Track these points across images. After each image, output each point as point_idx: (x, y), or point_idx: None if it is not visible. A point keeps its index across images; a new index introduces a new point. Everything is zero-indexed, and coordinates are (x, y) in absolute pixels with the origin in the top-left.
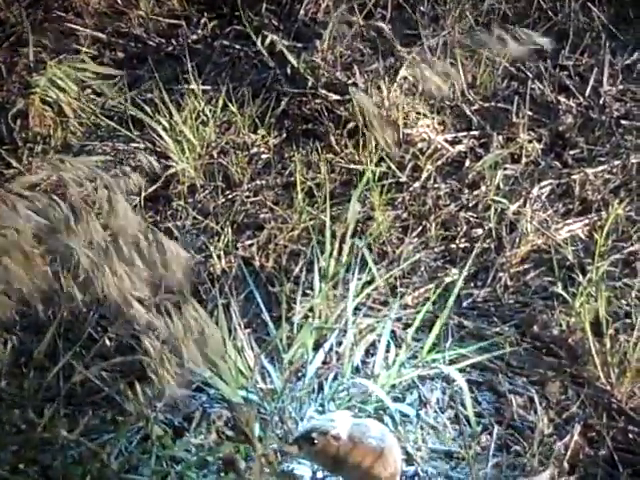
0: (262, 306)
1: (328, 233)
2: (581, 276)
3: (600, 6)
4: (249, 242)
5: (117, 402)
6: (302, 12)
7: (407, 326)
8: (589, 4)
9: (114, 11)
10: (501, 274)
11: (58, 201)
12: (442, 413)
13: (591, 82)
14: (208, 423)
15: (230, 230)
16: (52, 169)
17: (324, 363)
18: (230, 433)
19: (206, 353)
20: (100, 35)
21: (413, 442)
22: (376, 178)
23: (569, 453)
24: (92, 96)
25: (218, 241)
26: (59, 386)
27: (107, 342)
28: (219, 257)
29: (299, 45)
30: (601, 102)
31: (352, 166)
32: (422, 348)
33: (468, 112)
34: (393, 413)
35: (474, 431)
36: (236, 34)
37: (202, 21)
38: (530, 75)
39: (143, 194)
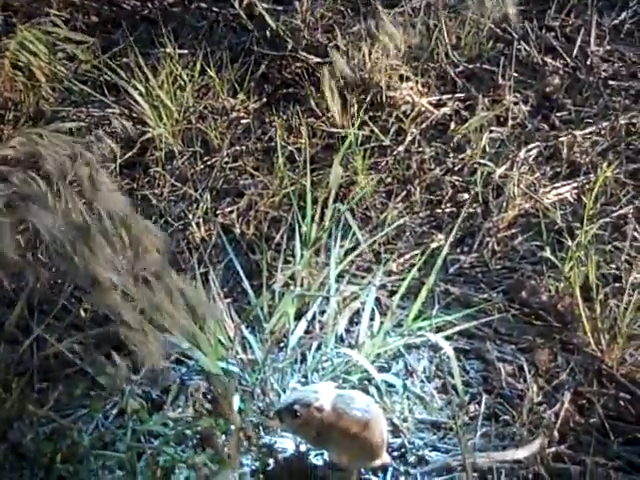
0: (242, 274)
1: (309, 198)
2: (570, 240)
3: None
4: (229, 209)
5: (92, 375)
6: None
7: (392, 293)
8: None
9: None
10: (488, 239)
11: (33, 175)
12: (429, 383)
13: (578, 43)
14: (186, 396)
15: (209, 197)
16: (27, 143)
17: (307, 332)
18: (209, 406)
19: (184, 322)
20: None
21: (399, 413)
22: (359, 142)
23: (559, 422)
24: (64, 61)
25: (197, 208)
26: (32, 360)
27: (82, 313)
28: (198, 225)
29: (279, 8)
30: (588, 63)
31: (334, 129)
32: (407, 316)
33: (452, 74)
34: (378, 383)
35: (462, 400)
36: None
37: None
38: (515, 36)
39: (119, 161)
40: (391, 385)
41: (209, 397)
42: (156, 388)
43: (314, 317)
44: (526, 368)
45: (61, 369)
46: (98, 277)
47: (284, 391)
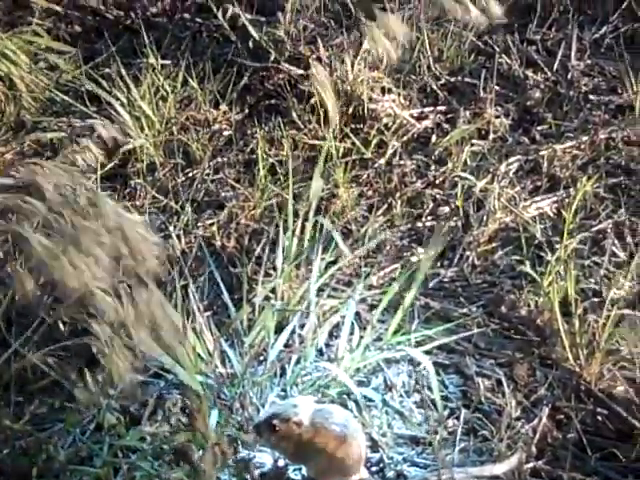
0: (222, 287)
1: (290, 211)
2: (550, 255)
3: None
4: (210, 221)
5: (68, 389)
6: None
7: (372, 307)
8: None
9: None
10: (468, 253)
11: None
12: (408, 397)
13: (559, 57)
14: (164, 410)
15: (190, 209)
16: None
17: (286, 346)
18: (186, 421)
19: (163, 337)
20: (55, 7)
21: (378, 427)
22: (340, 154)
23: (537, 437)
24: (46, 70)
25: (178, 220)
26: (9, 372)
27: (61, 326)
28: (179, 237)
29: (262, 19)
30: (569, 77)
31: (315, 141)
32: (387, 330)
33: (434, 87)
34: (357, 398)
35: (441, 415)
36: (197, 8)
37: None
38: (497, 49)
39: (100, 172)
40: (370, 399)
41: (187, 411)
42: (134, 402)
43: (294, 331)
44: (505, 383)
45: (38, 382)
46: (72, 288)
47: (263, 405)
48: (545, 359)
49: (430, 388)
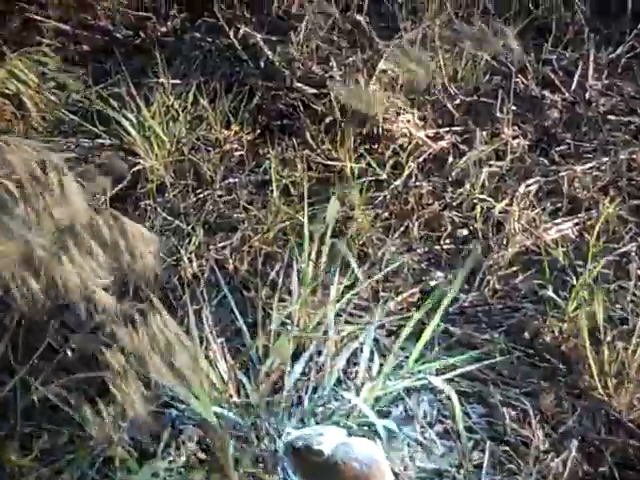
0: (236, 313)
1: (306, 234)
2: (574, 279)
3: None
4: (222, 244)
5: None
6: (276, 5)
7: (391, 333)
8: None
9: (80, 3)
10: (489, 277)
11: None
12: (430, 428)
13: (576, 77)
14: (178, 444)
15: (202, 231)
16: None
17: (303, 374)
18: (202, 456)
19: (175, 365)
20: (64, 27)
21: (400, 460)
22: (355, 175)
23: (567, 471)
24: (55, 90)
25: (189, 243)
26: (15, 403)
27: (69, 353)
28: (190, 260)
29: (273, 38)
30: (587, 97)
31: (330, 162)
32: (408, 357)
33: (450, 107)
34: (378, 428)
35: (465, 447)
36: (207, 27)
37: (172, 13)
38: (513, 69)
39: (109, 193)
40: (391, 430)
41: (203, 445)
42: (145, 435)
43: (311, 358)
44: (531, 413)
45: (46, 414)
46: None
47: (280, 436)
48: (572, 388)
49: (453, 418)
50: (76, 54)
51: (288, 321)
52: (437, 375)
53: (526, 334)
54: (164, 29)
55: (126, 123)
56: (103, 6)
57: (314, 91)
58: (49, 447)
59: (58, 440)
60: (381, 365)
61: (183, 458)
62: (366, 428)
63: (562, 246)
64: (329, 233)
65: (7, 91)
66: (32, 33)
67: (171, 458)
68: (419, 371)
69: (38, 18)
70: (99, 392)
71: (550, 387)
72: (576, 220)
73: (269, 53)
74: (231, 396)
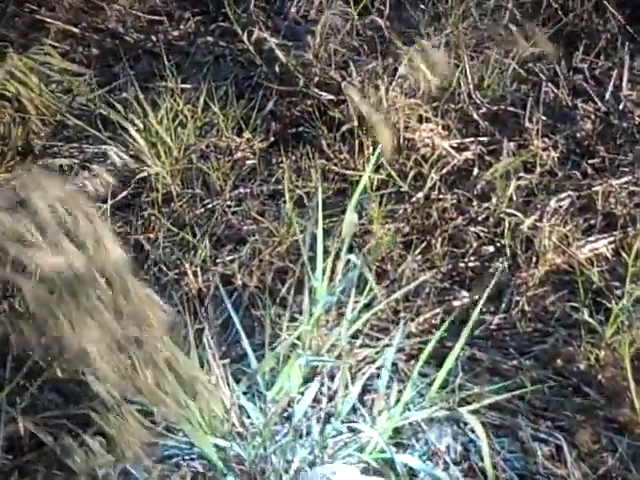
0: (242, 333)
1: (320, 248)
2: (613, 302)
3: (614, 6)
4: (230, 257)
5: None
6: (293, 10)
7: (411, 357)
8: (605, 2)
9: (91, 6)
10: (517, 298)
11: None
12: (454, 465)
13: (610, 86)
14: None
15: (208, 243)
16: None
17: (314, 402)
18: None
19: (170, 391)
20: (73, 29)
21: None
22: (374, 187)
23: None
24: (58, 93)
25: (194, 256)
26: None
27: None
28: (195, 274)
29: (289, 43)
30: (621, 107)
31: (347, 172)
32: (429, 385)
33: (475, 116)
34: (396, 464)
35: None
36: (221, 32)
37: (185, 16)
38: (543, 77)
39: (111, 201)
40: (411, 467)
41: None
42: (138, 469)
43: (323, 384)
44: (566, 449)
45: (31, 449)
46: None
47: (286, 471)
48: (611, 422)
49: (479, 454)
50: (83, 57)
51: (299, 343)
52: (462, 405)
53: (559, 361)
54: (176, 33)
55: (132, 128)
56: (114, 9)
57: (331, 97)
58: None
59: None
60: (400, 392)
61: None
62: (383, 463)
63: (597, 265)
64: (345, 248)
65: (6, 93)
66: (39, 35)
67: None
68: (442, 400)
69: (47, 20)
70: (86, 424)
71: (587, 421)
72: (612, 238)
73: (284, 58)
74: (234, 425)
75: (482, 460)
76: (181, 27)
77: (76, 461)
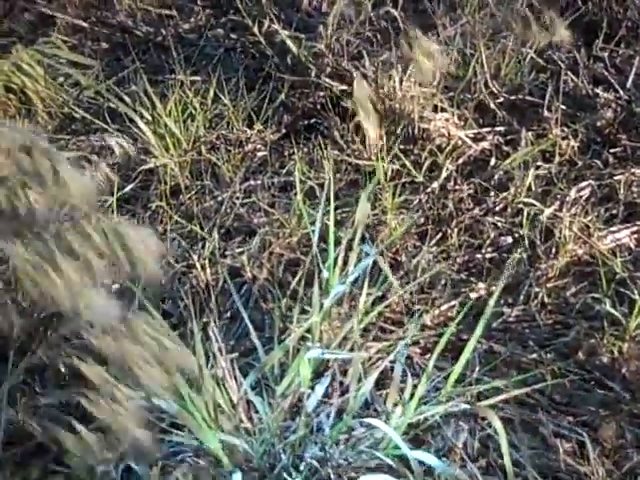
0: (250, 326)
1: (332, 239)
2: (635, 292)
3: None
4: (239, 250)
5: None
6: (305, 1)
7: (426, 351)
8: None
9: (100, 0)
10: (537, 289)
11: None
12: (472, 462)
13: (632, 74)
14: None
15: (217, 236)
16: None
17: (325, 397)
18: None
19: (174, 383)
20: (82, 24)
21: None
22: (388, 177)
23: None
24: (66, 86)
25: (203, 248)
26: None
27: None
28: (203, 267)
29: (302, 36)
30: None
31: (360, 162)
32: (445, 379)
33: (492, 105)
34: (411, 461)
35: None
36: (232, 25)
37: (195, 9)
38: (562, 66)
39: (118, 194)
40: (426, 464)
41: None
42: (140, 464)
43: (334, 379)
44: (589, 446)
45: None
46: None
47: (297, 468)
48: (636, 417)
49: (498, 450)
50: (92, 51)
51: (309, 336)
52: (479, 400)
53: (580, 354)
54: (186, 26)
55: (140, 121)
56: (124, 3)
57: (344, 88)
58: None
59: (28, 476)
60: (415, 387)
61: None
62: (397, 460)
63: (619, 256)
64: (358, 238)
65: (12, 85)
66: (47, 30)
67: None
68: (458, 395)
69: (56, 15)
70: (82, 414)
71: (610, 416)
72: (635, 228)
73: (296, 49)
74: (241, 421)
75: (501, 457)
76: (191, 20)
77: (74, 458)
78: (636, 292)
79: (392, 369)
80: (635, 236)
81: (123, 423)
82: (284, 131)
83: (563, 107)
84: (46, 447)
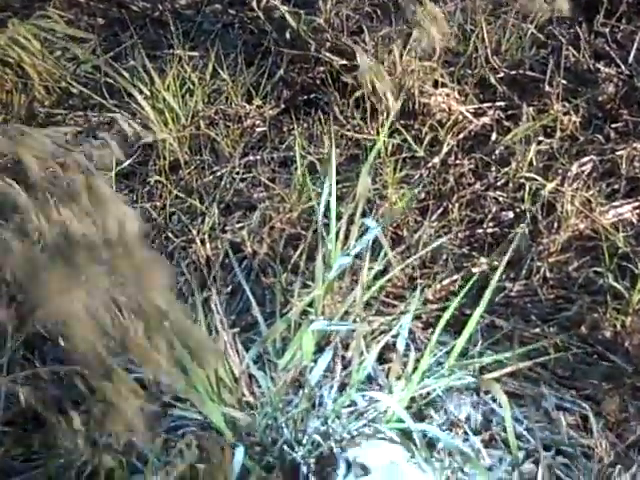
0: (252, 300)
1: (333, 213)
2: (638, 266)
3: None
4: (239, 225)
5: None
6: None
7: (428, 325)
8: None
9: None
10: (539, 264)
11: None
12: (475, 435)
13: (634, 49)
14: (177, 451)
15: (217, 211)
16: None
17: (327, 371)
18: (203, 466)
19: (176, 357)
20: None
21: (440, 472)
22: (389, 152)
23: None
24: (63, 61)
25: (202, 223)
26: None
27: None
28: (203, 242)
29: (300, 11)
30: None
31: (360, 136)
32: (448, 353)
33: (493, 81)
34: (414, 435)
35: (515, 458)
36: (230, 0)
37: None
38: (563, 41)
39: (116, 169)
40: (429, 437)
41: (203, 455)
42: (145, 440)
43: (336, 352)
44: (592, 419)
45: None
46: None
47: (299, 442)
48: (638, 390)
49: (500, 424)
50: (88, 26)
51: (311, 310)
52: (482, 374)
53: (583, 328)
54: (183, 2)
55: (139, 96)
56: None
57: (343, 62)
58: (15, 456)
59: (26, 448)
60: (417, 361)
61: (181, 468)
62: (400, 434)
63: (621, 230)
64: (359, 212)
65: (8, 59)
66: (44, 4)
67: (167, 469)
68: (461, 369)
69: None
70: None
71: (613, 389)
72: (637, 203)
73: (295, 24)
74: (243, 394)
75: (504, 430)
76: None
77: (65, 433)
78: (639, 266)
79: (394, 343)
80: (637, 211)
81: (120, 405)
82: (283, 106)
83: (564, 82)
84: (45, 421)
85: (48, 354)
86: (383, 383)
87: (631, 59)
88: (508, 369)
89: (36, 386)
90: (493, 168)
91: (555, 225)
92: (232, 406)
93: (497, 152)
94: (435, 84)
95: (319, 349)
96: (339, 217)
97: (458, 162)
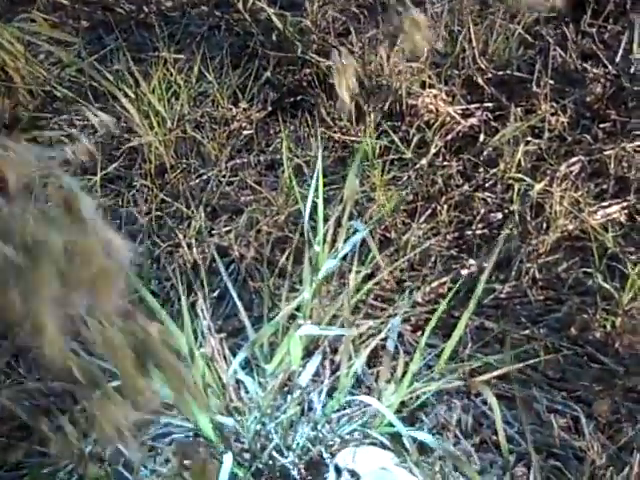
0: (239, 304)
1: (320, 216)
2: (630, 267)
3: None
4: (226, 228)
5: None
6: None
7: (417, 328)
8: None
9: None
10: (528, 265)
11: None
12: (466, 438)
13: (621, 49)
14: (164, 459)
15: (203, 214)
16: None
17: (316, 375)
18: (190, 473)
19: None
20: (62, 1)
21: (430, 477)
22: (376, 154)
23: None
24: (46, 64)
25: (189, 227)
26: None
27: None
28: (189, 246)
29: (286, 13)
30: (632, 71)
31: (347, 138)
32: (437, 356)
33: (480, 81)
34: (404, 439)
35: (507, 461)
36: (216, 2)
37: None
38: (551, 41)
39: (101, 173)
40: (420, 441)
41: (192, 461)
42: (133, 448)
43: (325, 357)
44: (583, 421)
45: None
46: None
47: (288, 448)
48: (630, 392)
49: (491, 427)
50: (72, 29)
51: (299, 314)
52: (472, 376)
53: (573, 330)
54: (169, 4)
55: (123, 99)
56: None
57: (330, 64)
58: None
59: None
60: (407, 365)
61: (168, 476)
62: (390, 438)
63: (610, 231)
64: (346, 214)
65: None
66: (27, 7)
67: (154, 476)
68: (451, 372)
69: None
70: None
71: (604, 391)
72: (625, 203)
73: (281, 26)
74: (231, 400)
75: (495, 433)
76: None
77: (56, 444)
78: (628, 266)
79: (383, 347)
80: (626, 211)
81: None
82: (270, 109)
83: (552, 82)
84: (31, 429)
85: (33, 362)
86: (373, 387)
87: (618, 59)
88: (498, 371)
89: (21, 395)
90: (481, 169)
91: (544, 226)
92: (220, 412)
93: (485, 153)
94: (422, 85)
95: (307, 353)
96: (326, 220)
97: (446, 163)
